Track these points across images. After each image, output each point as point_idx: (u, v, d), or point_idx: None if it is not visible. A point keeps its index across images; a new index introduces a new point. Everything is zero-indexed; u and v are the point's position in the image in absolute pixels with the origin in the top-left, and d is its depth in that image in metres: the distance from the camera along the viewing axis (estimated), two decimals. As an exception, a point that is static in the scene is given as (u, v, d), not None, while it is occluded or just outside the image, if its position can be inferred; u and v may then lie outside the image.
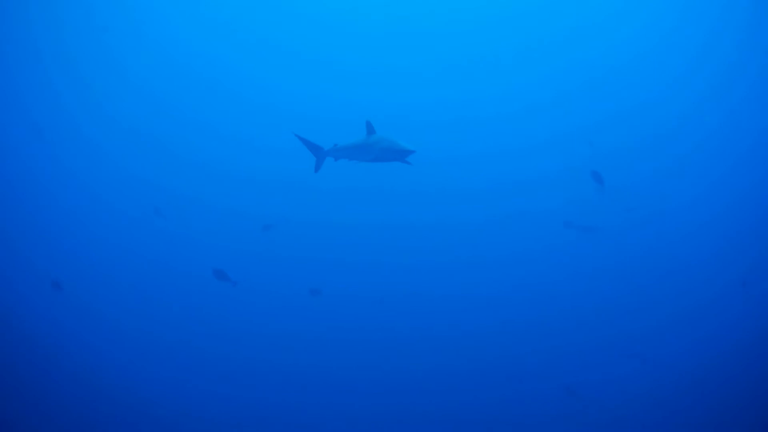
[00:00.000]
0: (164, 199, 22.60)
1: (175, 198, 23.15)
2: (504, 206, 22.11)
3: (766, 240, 18.42)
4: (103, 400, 13.43)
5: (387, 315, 17.64)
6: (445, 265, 19.79)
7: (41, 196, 22.33)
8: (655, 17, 24.77)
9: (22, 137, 23.23)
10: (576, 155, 22.49)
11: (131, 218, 21.84)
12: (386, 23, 28.31)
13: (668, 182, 21.96)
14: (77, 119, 25.04)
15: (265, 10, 28.19)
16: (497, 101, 26.63)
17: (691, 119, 23.51)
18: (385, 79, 27.67)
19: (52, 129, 23.99)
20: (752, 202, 20.21)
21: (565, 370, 15.27)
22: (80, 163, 23.85)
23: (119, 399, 13.65)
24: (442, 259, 20.05)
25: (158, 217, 20.55)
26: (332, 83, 28.07)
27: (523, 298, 18.19)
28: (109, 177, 23.44)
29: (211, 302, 18.20)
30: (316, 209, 21.51)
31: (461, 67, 27.60)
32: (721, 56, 23.79)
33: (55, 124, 24.35)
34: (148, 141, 25.30)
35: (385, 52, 28.17)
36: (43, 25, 24.54)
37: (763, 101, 22.52)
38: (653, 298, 17.57)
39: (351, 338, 16.58)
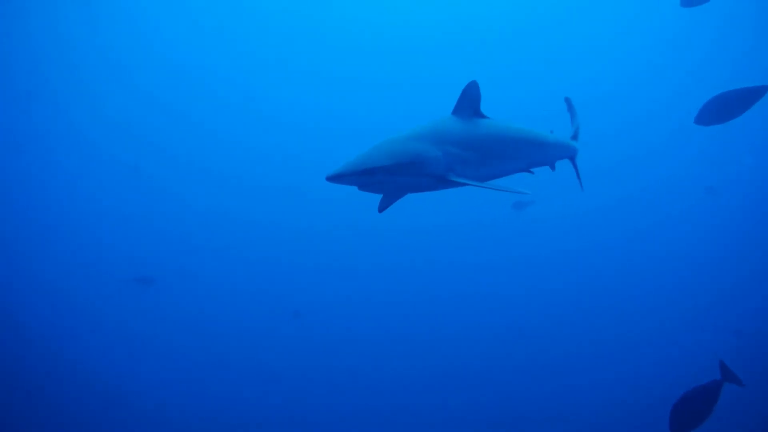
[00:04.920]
0: (164, 196, 22.94)
1: (174, 196, 23.36)
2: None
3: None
4: (103, 403, 13.25)
5: (398, 317, 17.65)
6: (449, 267, 20.05)
7: (37, 195, 22.43)
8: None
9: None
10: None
11: (131, 217, 21.98)
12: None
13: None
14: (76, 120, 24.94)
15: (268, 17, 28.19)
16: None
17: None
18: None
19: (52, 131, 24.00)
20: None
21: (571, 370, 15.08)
22: (77, 163, 23.88)
23: (118, 401, 13.45)
24: (448, 261, 20.31)
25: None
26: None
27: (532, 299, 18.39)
28: (106, 175, 23.37)
29: (212, 303, 18.35)
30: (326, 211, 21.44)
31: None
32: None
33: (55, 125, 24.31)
34: (150, 141, 25.31)
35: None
36: (43, 27, 24.41)
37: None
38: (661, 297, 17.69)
39: (360, 339, 16.44)
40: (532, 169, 5.33)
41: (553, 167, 5.79)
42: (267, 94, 28.29)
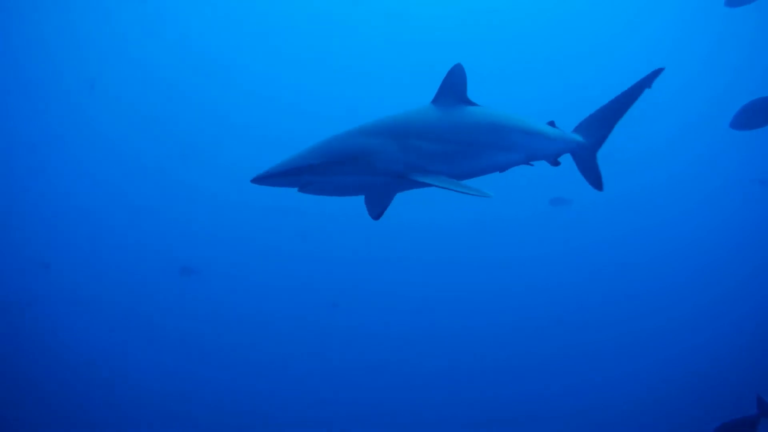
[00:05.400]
0: (170, 190, 23.50)
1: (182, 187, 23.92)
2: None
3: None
4: (105, 392, 13.48)
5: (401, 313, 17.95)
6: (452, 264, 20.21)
7: (45, 185, 23.24)
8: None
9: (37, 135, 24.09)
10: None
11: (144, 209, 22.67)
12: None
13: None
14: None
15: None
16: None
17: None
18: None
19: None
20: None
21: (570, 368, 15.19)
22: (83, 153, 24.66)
23: (122, 391, 13.70)
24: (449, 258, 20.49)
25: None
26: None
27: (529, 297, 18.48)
28: (112, 165, 24.24)
29: (250, 295, 18.77)
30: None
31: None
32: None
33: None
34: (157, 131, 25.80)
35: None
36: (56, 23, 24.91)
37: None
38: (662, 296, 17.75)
39: (361, 334, 16.58)
40: (532, 162, 4.58)
41: (551, 162, 4.88)
42: (300, 90, 28.52)
